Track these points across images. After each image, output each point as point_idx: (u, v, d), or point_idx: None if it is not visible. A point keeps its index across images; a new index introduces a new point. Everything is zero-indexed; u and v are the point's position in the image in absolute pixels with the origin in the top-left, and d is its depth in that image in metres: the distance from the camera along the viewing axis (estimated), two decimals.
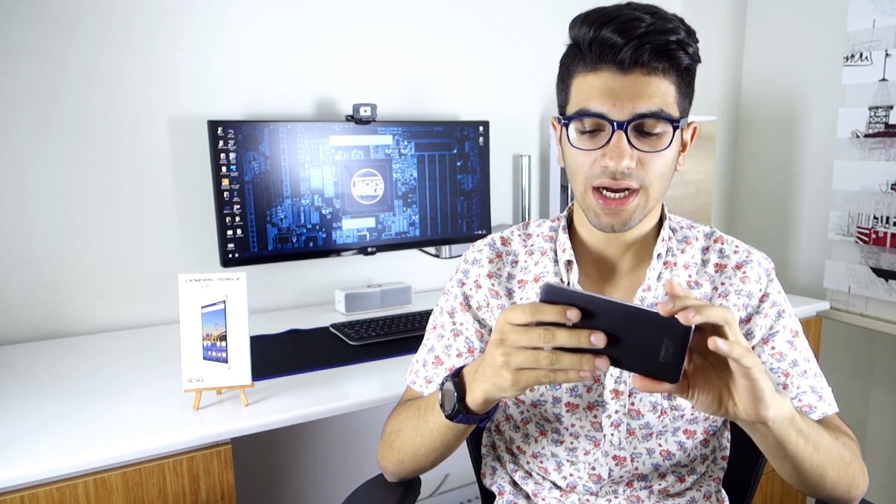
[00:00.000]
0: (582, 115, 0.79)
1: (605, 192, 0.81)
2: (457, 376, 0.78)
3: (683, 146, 0.85)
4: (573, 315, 0.63)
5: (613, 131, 0.77)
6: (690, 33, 0.78)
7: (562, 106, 0.85)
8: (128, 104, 1.53)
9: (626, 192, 0.80)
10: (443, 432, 0.82)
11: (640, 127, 0.78)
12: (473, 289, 0.94)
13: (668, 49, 0.75)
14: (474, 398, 0.75)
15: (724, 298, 0.89)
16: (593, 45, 0.76)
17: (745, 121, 2.28)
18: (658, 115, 0.77)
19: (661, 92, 0.77)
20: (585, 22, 0.77)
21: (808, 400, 0.86)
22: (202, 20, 1.58)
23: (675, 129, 0.79)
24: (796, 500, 1.88)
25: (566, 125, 0.81)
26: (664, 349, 0.61)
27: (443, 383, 0.79)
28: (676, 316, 0.60)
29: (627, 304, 0.63)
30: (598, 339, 0.62)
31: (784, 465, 0.76)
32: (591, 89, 0.78)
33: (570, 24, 0.81)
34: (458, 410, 0.77)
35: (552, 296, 0.65)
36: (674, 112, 0.79)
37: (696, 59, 0.79)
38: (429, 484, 2.00)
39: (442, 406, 0.79)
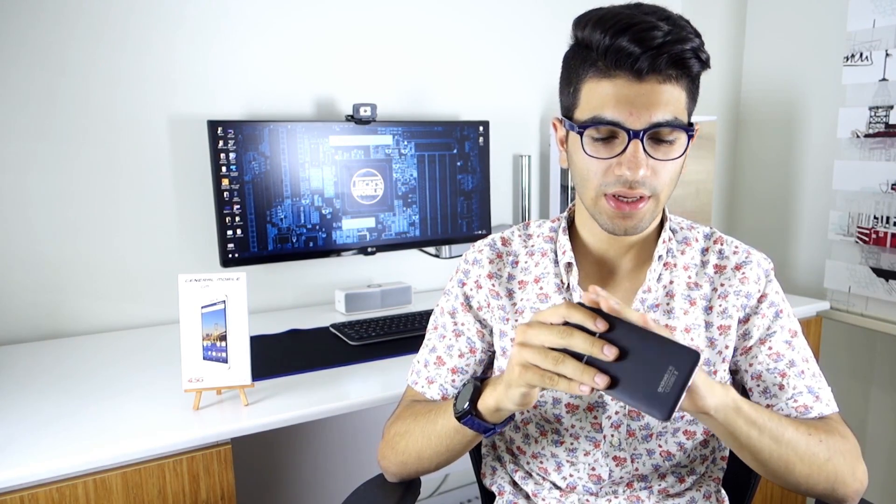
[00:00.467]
0: (596, 122, 0.77)
1: (618, 196, 0.80)
2: (480, 381, 0.80)
3: None
4: (601, 325, 0.65)
5: (630, 140, 0.76)
6: (699, 37, 0.77)
7: (568, 108, 0.83)
8: (127, 105, 1.53)
9: (639, 196, 0.80)
10: (450, 435, 0.82)
11: (654, 135, 0.77)
12: (474, 289, 0.94)
13: (683, 57, 0.74)
14: (486, 403, 0.77)
15: (724, 299, 0.89)
16: (609, 52, 0.74)
17: (745, 121, 2.28)
18: (672, 124, 0.77)
19: (674, 99, 0.76)
20: (598, 27, 0.75)
21: (804, 400, 0.85)
22: (202, 20, 1.58)
23: (689, 136, 0.79)
24: (796, 501, 1.88)
25: (580, 133, 0.79)
26: (666, 378, 0.61)
27: (466, 383, 0.81)
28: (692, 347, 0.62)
29: (646, 329, 0.65)
30: (611, 352, 0.64)
31: (743, 454, 0.78)
32: (606, 96, 0.76)
33: (575, 23, 0.80)
34: (468, 411, 0.77)
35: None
36: (684, 118, 0.79)
37: (707, 65, 0.78)
38: (429, 484, 2.00)
39: (455, 403, 0.80)
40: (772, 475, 0.79)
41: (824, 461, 0.79)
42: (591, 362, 0.65)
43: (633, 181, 0.78)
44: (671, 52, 0.73)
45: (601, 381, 0.64)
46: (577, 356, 0.66)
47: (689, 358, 0.61)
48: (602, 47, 0.75)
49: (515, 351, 0.70)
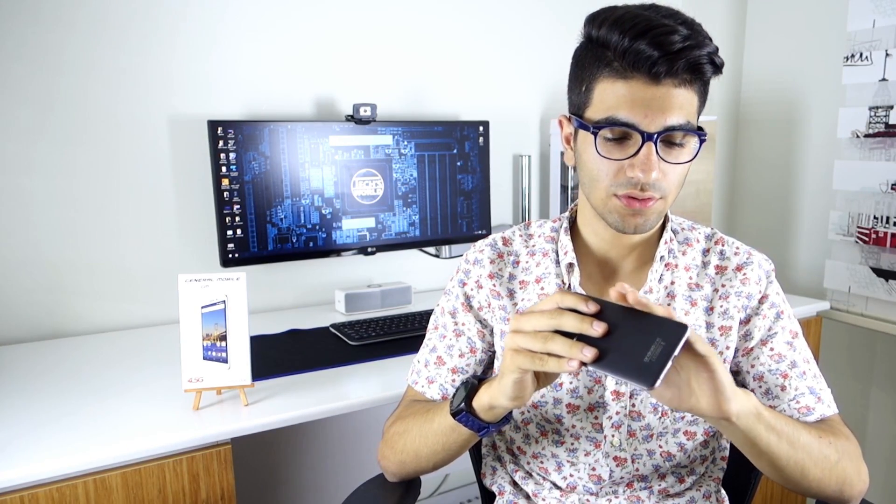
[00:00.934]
0: (611, 123, 0.77)
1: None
2: (477, 380, 0.80)
3: None
4: (592, 307, 0.66)
5: (643, 143, 0.76)
6: (712, 41, 0.77)
7: (578, 106, 0.82)
8: (127, 105, 1.53)
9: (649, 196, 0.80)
10: (446, 433, 0.82)
11: (667, 138, 0.77)
12: (475, 289, 0.94)
13: (700, 63, 0.74)
14: (480, 400, 0.77)
15: (725, 300, 0.89)
16: (627, 54, 0.74)
17: (745, 121, 2.28)
18: (685, 128, 0.77)
19: (687, 103, 0.77)
20: (616, 28, 0.75)
21: (806, 402, 0.85)
22: (202, 20, 1.58)
23: (701, 140, 0.79)
24: (796, 501, 1.88)
25: (595, 133, 0.79)
26: (653, 349, 0.62)
27: (464, 381, 0.82)
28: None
29: (638, 309, 0.66)
30: (600, 326, 0.65)
31: (761, 461, 0.77)
32: (621, 97, 0.76)
33: (589, 20, 0.79)
34: (462, 409, 0.77)
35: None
36: (695, 121, 0.79)
37: (720, 71, 0.78)
38: (429, 484, 2.00)
39: (451, 400, 0.80)
40: (786, 480, 0.79)
41: (835, 463, 0.78)
42: (582, 341, 0.66)
43: (645, 183, 0.78)
44: (689, 57, 0.73)
45: (589, 352, 0.64)
46: (570, 336, 0.66)
47: (677, 330, 0.62)
48: (620, 48, 0.74)
49: (508, 338, 0.70)
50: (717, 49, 0.76)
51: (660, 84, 0.75)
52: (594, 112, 0.79)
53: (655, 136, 0.76)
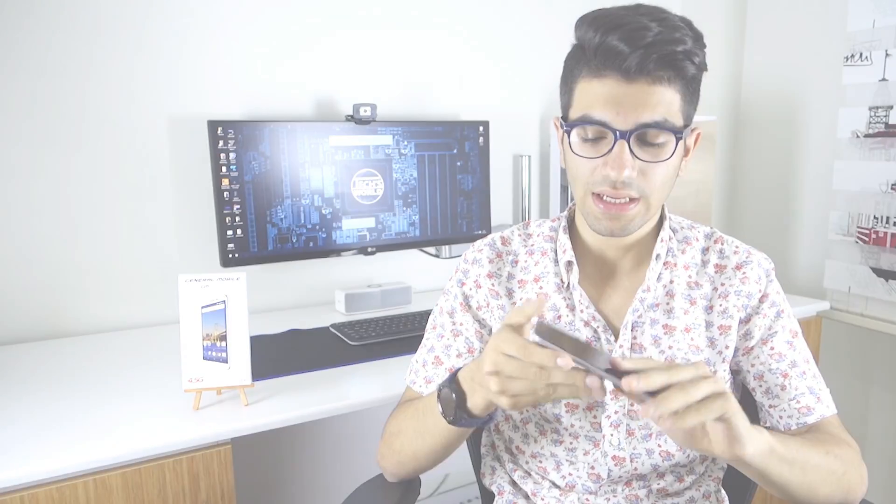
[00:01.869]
0: (584, 122, 0.78)
1: (605, 196, 0.80)
2: (453, 382, 0.78)
3: (686, 151, 0.85)
4: (563, 363, 0.63)
5: (615, 140, 0.76)
6: (698, 39, 0.76)
7: (564, 108, 0.84)
8: (127, 105, 1.53)
9: (627, 198, 0.80)
10: (443, 433, 0.82)
11: (642, 136, 0.77)
12: (473, 289, 0.94)
13: (674, 59, 0.74)
14: (476, 403, 0.75)
15: (724, 299, 0.89)
16: (598, 51, 0.75)
17: (745, 121, 2.28)
18: (661, 126, 0.76)
19: (665, 101, 0.76)
20: (591, 26, 0.76)
21: (806, 401, 0.85)
22: (202, 20, 1.58)
23: (678, 139, 0.79)
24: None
25: (568, 131, 0.80)
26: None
27: (440, 391, 0.79)
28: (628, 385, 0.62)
29: (607, 355, 0.64)
30: (593, 382, 0.64)
31: (772, 488, 0.76)
32: (595, 96, 0.77)
33: (576, 24, 0.80)
34: (460, 416, 0.77)
35: (543, 334, 0.65)
36: (677, 121, 0.78)
37: (702, 68, 0.78)
38: (429, 484, 2.00)
39: (443, 414, 0.79)
40: (795, 500, 0.78)
41: (841, 476, 0.79)
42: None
43: (618, 181, 0.78)
44: (661, 53, 0.73)
45: (597, 392, 0.65)
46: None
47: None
48: (593, 46, 0.75)
49: (496, 388, 0.68)
50: (695, 46, 0.75)
51: (633, 81, 0.75)
52: (574, 112, 0.80)
53: (628, 133, 0.76)
